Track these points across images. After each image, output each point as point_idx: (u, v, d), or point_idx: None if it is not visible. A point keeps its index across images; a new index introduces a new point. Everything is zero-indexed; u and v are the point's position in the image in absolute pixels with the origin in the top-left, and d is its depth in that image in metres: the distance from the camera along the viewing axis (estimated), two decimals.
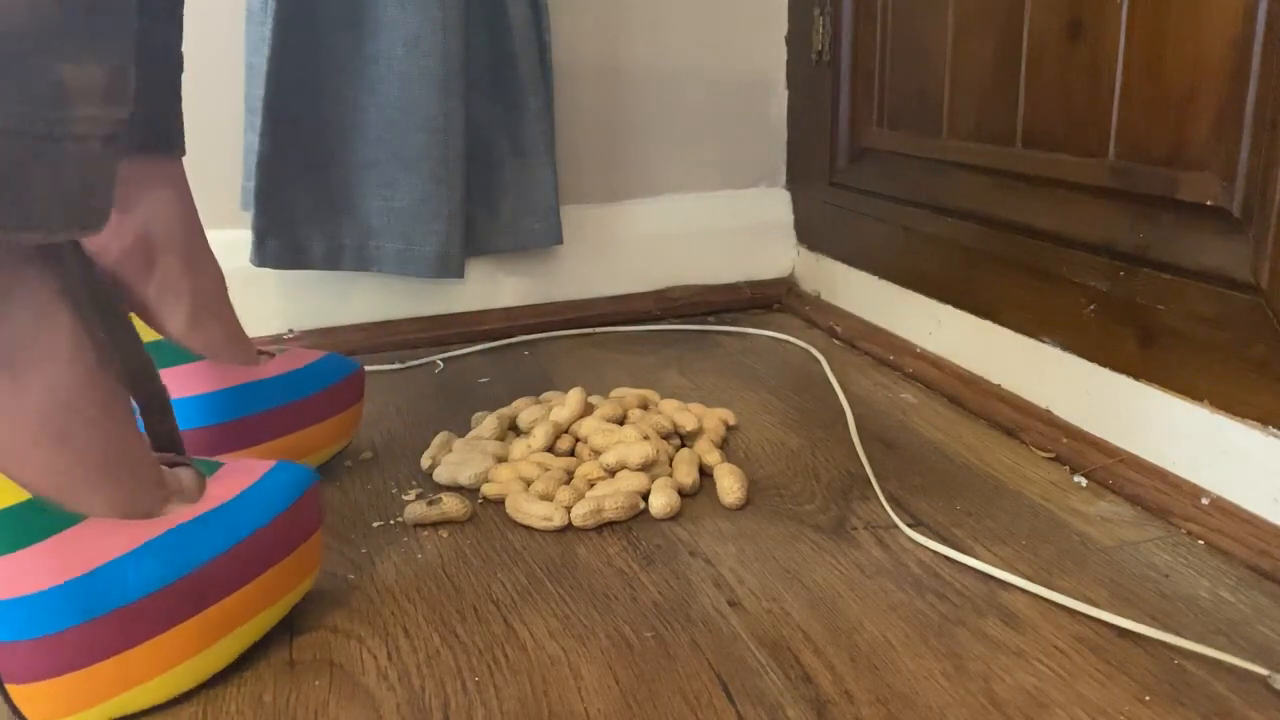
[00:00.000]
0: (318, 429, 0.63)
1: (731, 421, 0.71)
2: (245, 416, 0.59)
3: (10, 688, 0.40)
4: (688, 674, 0.44)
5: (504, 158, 0.90)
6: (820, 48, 0.94)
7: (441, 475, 0.62)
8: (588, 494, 0.58)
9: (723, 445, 0.67)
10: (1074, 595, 0.48)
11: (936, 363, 0.78)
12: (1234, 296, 0.53)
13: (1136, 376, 0.60)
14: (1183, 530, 0.55)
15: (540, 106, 0.88)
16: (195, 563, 0.43)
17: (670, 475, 0.61)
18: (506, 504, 0.59)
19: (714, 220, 1.02)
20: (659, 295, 1.00)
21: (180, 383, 0.58)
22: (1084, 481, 0.61)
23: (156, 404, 0.47)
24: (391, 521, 0.59)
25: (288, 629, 0.48)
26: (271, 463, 0.49)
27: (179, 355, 0.58)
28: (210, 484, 0.46)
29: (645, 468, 0.60)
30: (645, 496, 0.59)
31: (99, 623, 0.40)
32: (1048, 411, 0.67)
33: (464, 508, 0.58)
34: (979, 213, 0.74)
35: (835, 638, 0.46)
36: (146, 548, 0.41)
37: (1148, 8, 0.57)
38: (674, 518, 0.58)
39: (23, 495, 0.39)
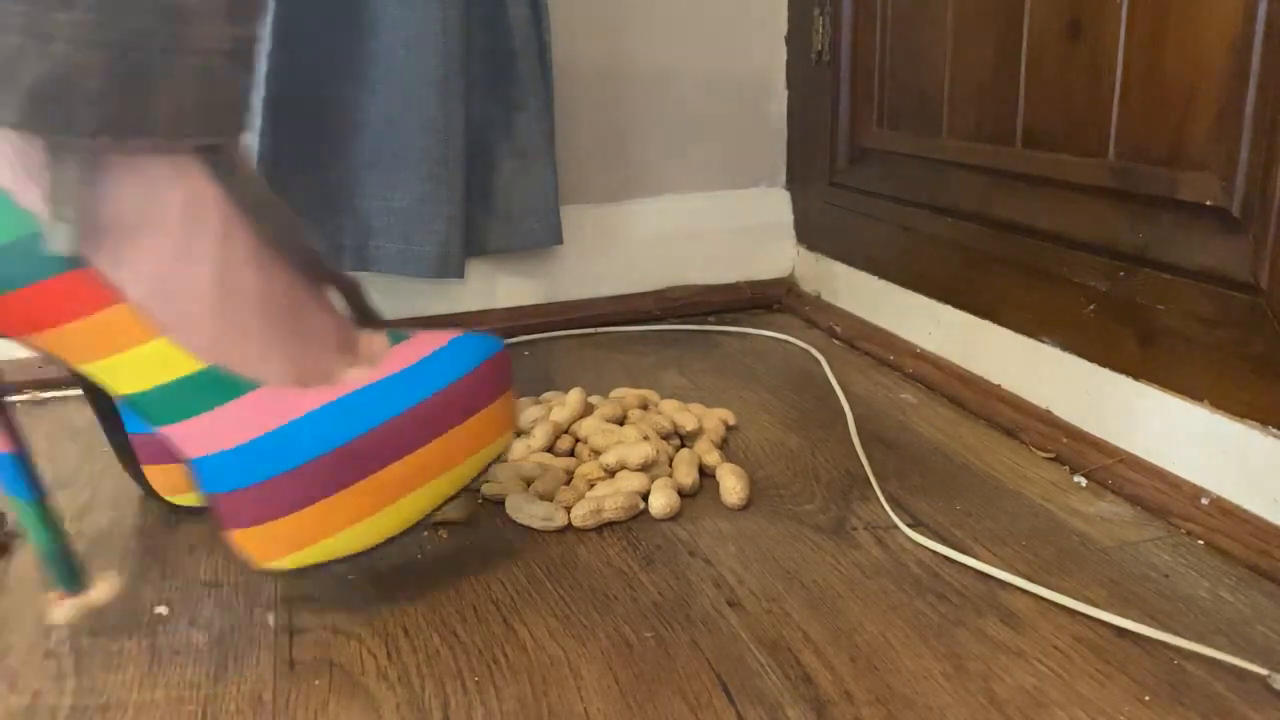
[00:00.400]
0: None
1: (731, 421, 0.71)
2: None
3: (229, 533, 0.47)
4: (688, 674, 0.44)
5: (504, 158, 0.90)
6: (820, 48, 0.94)
7: None
8: (588, 494, 0.58)
9: (723, 445, 0.67)
10: (1074, 595, 0.48)
11: (936, 363, 0.78)
12: (1234, 296, 0.53)
13: (1136, 376, 0.60)
14: (1183, 530, 0.55)
15: (540, 106, 0.88)
16: (371, 424, 0.46)
17: (670, 475, 0.61)
18: (506, 504, 0.59)
19: (714, 220, 1.02)
20: (659, 295, 1.00)
21: None
22: (1084, 481, 0.61)
23: (344, 286, 0.51)
24: None
25: (288, 629, 0.48)
26: (456, 332, 0.52)
27: None
28: (394, 352, 0.50)
29: (645, 468, 0.60)
30: (645, 497, 0.59)
31: (285, 478, 0.45)
32: (1048, 411, 0.67)
33: (464, 508, 0.58)
34: (979, 213, 0.74)
35: (835, 638, 0.46)
36: (326, 409, 0.46)
37: (1148, 8, 0.57)
38: (674, 518, 0.58)
39: (200, 364, 0.44)
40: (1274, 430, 0.52)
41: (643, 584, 0.51)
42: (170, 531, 0.59)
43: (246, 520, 0.46)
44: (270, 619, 0.49)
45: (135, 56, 0.40)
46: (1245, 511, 0.53)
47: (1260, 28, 0.50)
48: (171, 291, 0.44)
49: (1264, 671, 0.42)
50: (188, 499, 0.60)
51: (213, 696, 0.44)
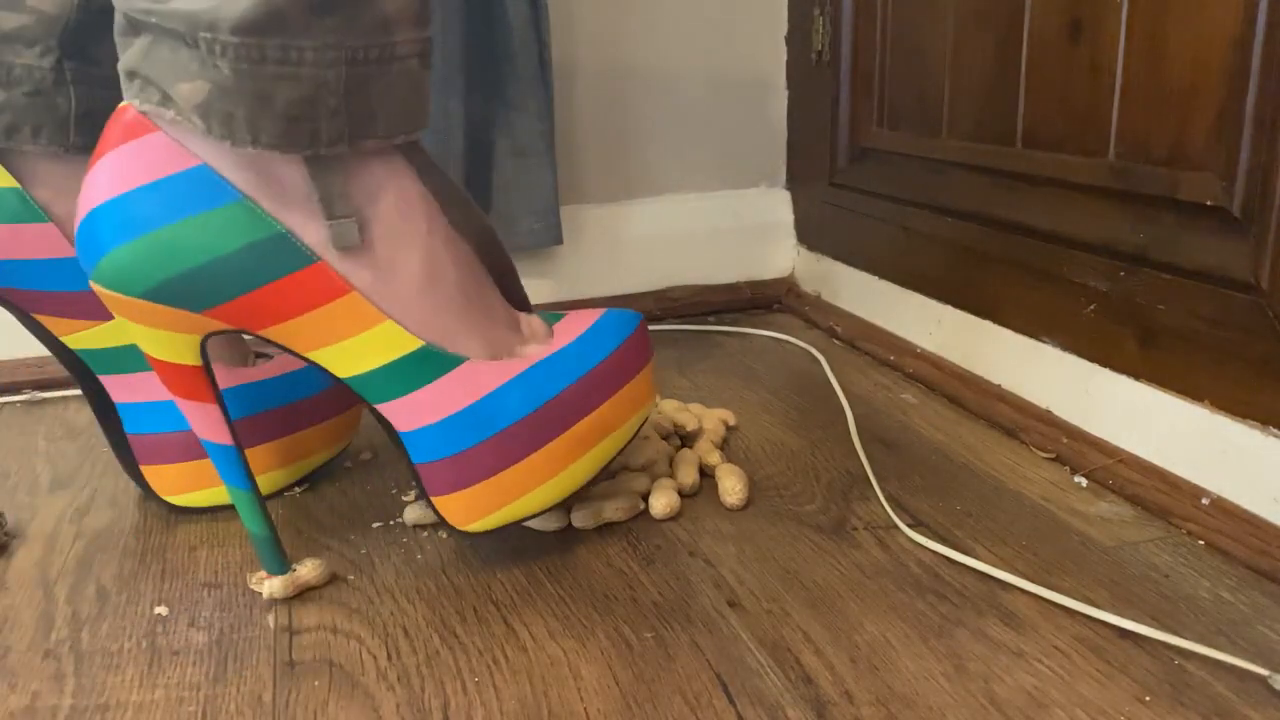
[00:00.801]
0: (313, 431, 0.63)
1: (731, 421, 0.71)
2: (245, 417, 0.59)
3: (433, 500, 0.51)
4: (688, 674, 0.44)
5: (504, 158, 0.90)
6: (820, 48, 0.94)
7: None
8: (588, 494, 0.58)
9: (723, 445, 0.67)
10: (1074, 595, 0.48)
11: (936, 363, 0.78)
12: (1234, 296, 0.53)
13: (1136, 376, 0.60)
14: (1183, 530, 0.55)
15: (540, 106, 0.88)
16: (553, 392, 0.51)
17: (670, 475, 0.61)
18: None
19: (714, 220, 1.02)
20: (659, 295, 1.00)
21: None
22: (1084, 481, 0.61)
23: (506, 269, 0.55)
24: (391, 522, 0.59)
25: (288, 629, 0.48)
26: (602, 310, 0.57)
27: None
28: (558, 327, 0.55)
29: (645, 468, 0.60)
30: (645, 497, 0.59)
31: (485, 445, 0.50)
32: (1048, 411, 0.67)
33: None
34: (979, 213, 0.74)
35: (835, 638, 0.46)
36: (516, 380, 0.50)
37: (1148, 8, 0.57)
38: (674, 518, 0.58)
39: (417, 343, 0.48)
40: (1274, 430, 0.52)
41: (643, 584, 0.51)
42: (170, 531, 0.59)
43: (449, 487, 0.50)
44: (270, 619, 0.49)
45: (360, 70, 0.44)
46: (1245, 511, 0.53)
47: (1260, 27, 0.50)
48: (391, 278, 0.48)
49: (1264, 672, 0.42)
50: (187, 499, 0.60)
51: (213, 696, 0.44)
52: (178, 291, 0.45)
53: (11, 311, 0.57)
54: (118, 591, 0.52)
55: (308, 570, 0.52)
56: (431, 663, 0.46)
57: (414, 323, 0.49)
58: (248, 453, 0.60)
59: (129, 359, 0.57)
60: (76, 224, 0.46)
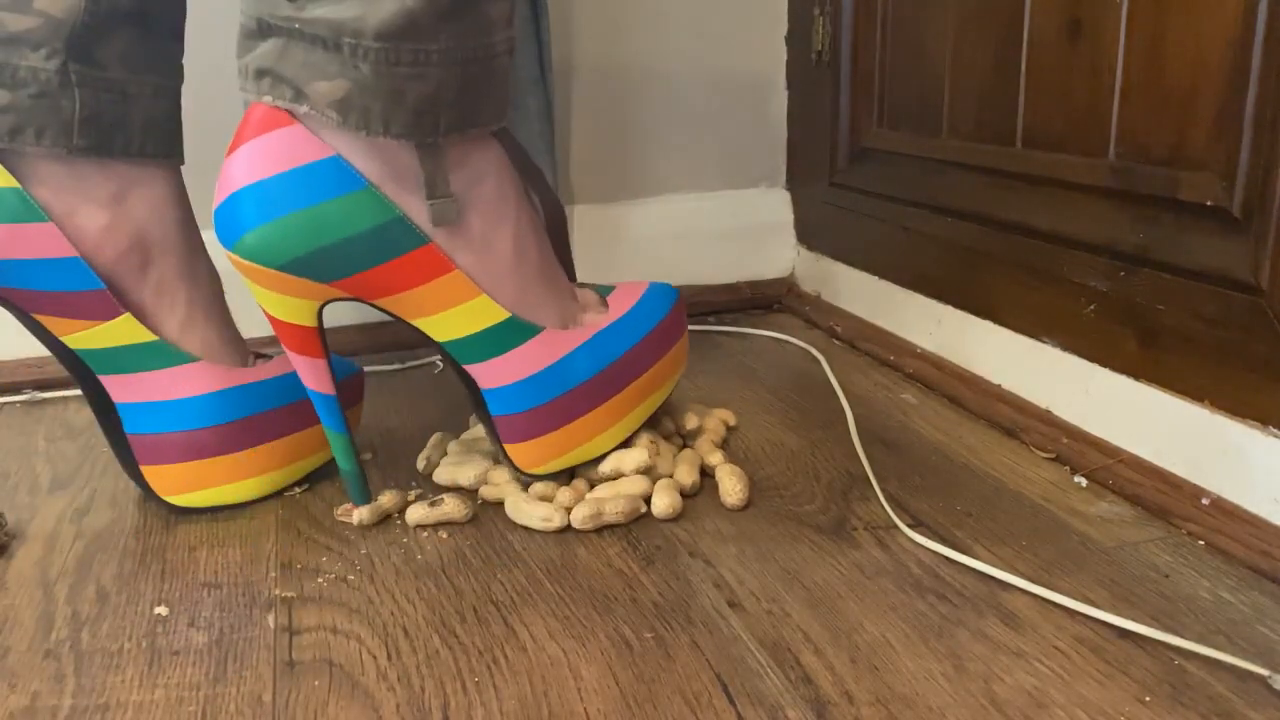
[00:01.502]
0: (313, 431, 0.63)
1: (731, 421, 0.71)
2: (245, 417, 0.59)
3: (506, 446, 0.58)
4: (688, 675, 0.44)
5: None
6: (820, 48, 0.94)
7: (442, 476, 0.62)
8: (587, 496, 0.58)
9: (723, 445, 0.67)
10: (1074, 596, 0.48)
11: (936, 363, 0.78)
12: (1234, 296, 0.53)
13: (1136, 376, 0.60)
14: (1183, 530, 0.55)
15: (540, 106, 0.88)
16: (613, 357, 0.59)
17: (671, 476, 0.61)
18: (506, 505, 0.59)
19: (714, 220, 1.02)
20: None
21: (177, 384, 0.58)
22: (1084, 482, 0.61)
23: (563, 242, 0.61)
24: (391, 522, 0.59)
25: (288, 629, 0.48)
26: (647, 283, 0.64)
27: (175, 356, 0.58)
28: (613, 299, 0.62)
29: (645, 468, 0.60)
30: (646, 499, 0.59)
31: (556, 402, 0.57)
32: (1048, 411, 0.67)
33: (464, 509, 0.58)
34: (979, 213, 0.74)
35: (835, 638, 0.46)
36: (584, 346, 0.58)
37: (1148, 8, 0.57)
38: (674, 518, 0.58)
39: (505, 314, 0.55)
40: (1274, 430, 0.52)
41: (643, 584, 0.51)
42: (170, 531, 0.59)
43: (521, 436, 0.57)
44: (270, 619, 0.49)
45: (471, 68, 0.50)
46: (1245, 511, 0.53)
47: (1260, 28, 0.50)
48: (487, 257, 0.54)
49: (1264, 672, 0.42)
50: (187, 499, 0.60)
51: (213, 696, 0.44)
52: (310, 265, 0.51)
53: (11, 311, 0.57)
54: (118, 591, 0.52)
55: (388, 500, 0.59)
56: (431, 663, 0.46)
57: (504, 297, 0.55)
58: (247, 453, 0.60)
59: (129, 359, 0.57)
60: (216, 204, 0.51)
